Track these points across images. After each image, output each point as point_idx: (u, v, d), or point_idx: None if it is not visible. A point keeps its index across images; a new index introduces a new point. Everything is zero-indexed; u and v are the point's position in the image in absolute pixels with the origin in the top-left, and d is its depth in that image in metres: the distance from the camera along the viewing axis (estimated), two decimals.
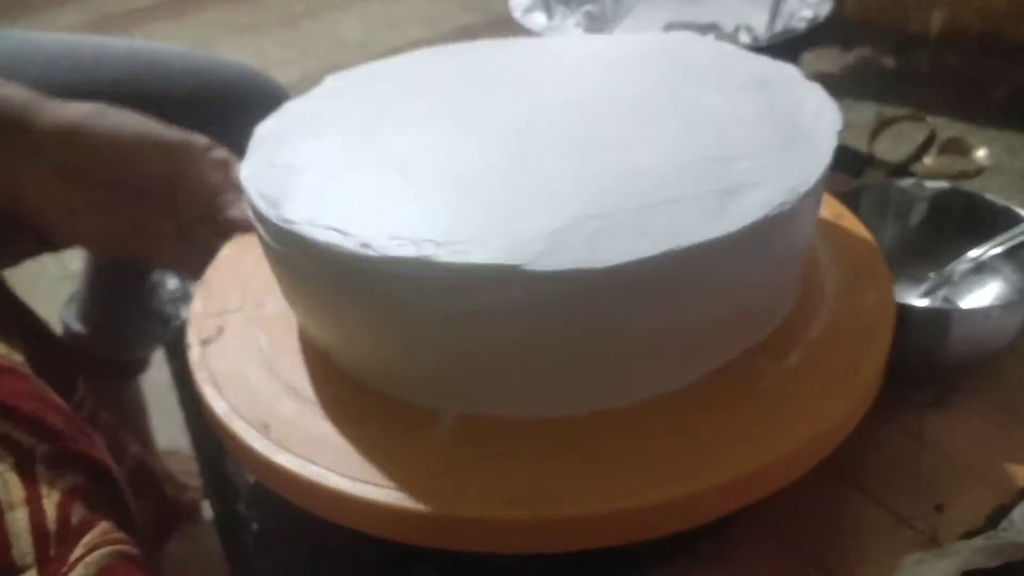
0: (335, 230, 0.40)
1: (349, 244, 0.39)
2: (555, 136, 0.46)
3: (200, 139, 0.56)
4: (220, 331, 0.50)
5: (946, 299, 0.58)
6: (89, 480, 0.43)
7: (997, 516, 0.46)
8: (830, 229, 0.54)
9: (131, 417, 1.00)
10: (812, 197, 0.42)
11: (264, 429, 0.43)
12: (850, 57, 1.90)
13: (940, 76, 1.60)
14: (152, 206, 0.55)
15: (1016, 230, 0.56)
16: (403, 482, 0.39)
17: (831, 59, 1.90)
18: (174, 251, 0.57)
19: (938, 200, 0.61)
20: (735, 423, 0.41)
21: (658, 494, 0.38)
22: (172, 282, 0.70)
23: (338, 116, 0.51)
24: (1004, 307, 0.52)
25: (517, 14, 0.78)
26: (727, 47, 0.55)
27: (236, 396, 0.46)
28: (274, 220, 0.42)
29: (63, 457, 0.43)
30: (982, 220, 0.58)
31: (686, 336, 0.41)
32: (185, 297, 0.67)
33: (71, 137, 0.51)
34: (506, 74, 0.55)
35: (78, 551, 0.40)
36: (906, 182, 0.62)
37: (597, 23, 0.77)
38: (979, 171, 0.69)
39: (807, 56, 0.76)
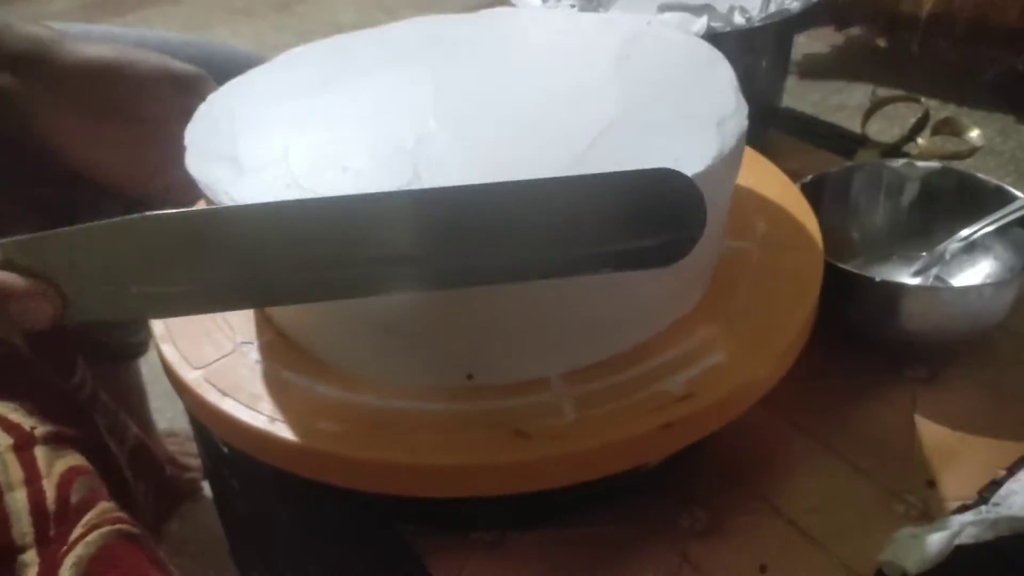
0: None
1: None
2: (495, 106, 0.47)
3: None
4: None
5: (938, 277, 0.59)
6: (88, 461, 0.43)
7: (988, 491, 0.47)
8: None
9: (131, 399, 1.00)
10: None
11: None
12: (843, 38, 1.90)
13: (931, 58, 1.60)
14: (172, 141, 0.56)
15: (1007, 209, 0.56)
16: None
17: (825, 40, 1.90)
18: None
19: (930, 180, 0.61)
20: None
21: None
22: None
23: (299, 80, 0.53)
24: (995, 285, 0.52)
25: None
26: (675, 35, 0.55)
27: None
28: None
29: (62, 438, 0.43)
30: (974, 199, 0.59)
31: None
32: None
33: (89, 71, 0.53)
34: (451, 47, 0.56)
35: (78, 530, 0.40)
36: (898, 162, 0.62)
37: (592, 3, 0.77)
38: (972, 151, 0.69)
39: (801, 37, 0.76)
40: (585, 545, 0.46)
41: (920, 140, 0.74)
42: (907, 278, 0.59)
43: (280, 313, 0.48)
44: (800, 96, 1.73)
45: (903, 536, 0.44)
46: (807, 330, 0.46)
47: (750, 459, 0.50)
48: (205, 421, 0.46)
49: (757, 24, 0.69)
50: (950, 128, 0.72)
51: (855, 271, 0.52)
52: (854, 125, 0.81)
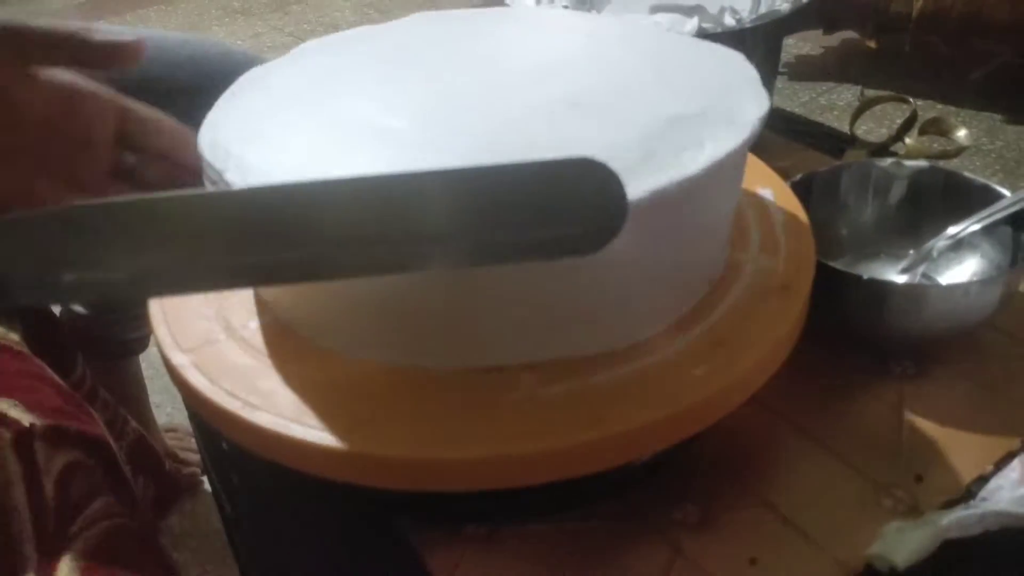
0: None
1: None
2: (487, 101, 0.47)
3: (88, 83, 0.51)
4: None
5: (926, 275, 0.59)
6: (88, 456, 0.44)
7: (976, 486, 0.48)
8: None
9: (130, 394, 1.00)
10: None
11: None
12: (833, 39, 1.91)
13: (921, 58, 1.61)
14: (40, 155, 0.50)
15: (994, 207, 0.57)
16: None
17: (814, 41, 1.91)
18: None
19: (918, 179, 0.62)
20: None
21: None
22: None
23: (300, 77, 0.52)
24: (982, 283, 0.53)
25: None
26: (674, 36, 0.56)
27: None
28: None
29: (61, 434, 0.43)
30: (961, 198, 0.59)
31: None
32: None
33: None
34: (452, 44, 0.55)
35: (77, 526, 0.40)
36: (886, 161, 0.63)
37: (585, 4, 0.78)
38: (959, 151, 0.70)
39: (791, 38, 0.77)
40: (579, 538, 0.46)
41: (908, 140, 0.75)
42: (895, 276, 0.59)
43: (265, 291, 0.48)
44: (790, 97, 1.75)
45: (892, 530, 0.44)
46: (797, 327, 0.47)
47: (741, 455, 0.51)
48: (196, 410, 0.46)
49: (747, 25, 0.69)
50: (937, 128, 0.73)
51: (843, 269, 0.53)
52: (843, 125, 0.82)
